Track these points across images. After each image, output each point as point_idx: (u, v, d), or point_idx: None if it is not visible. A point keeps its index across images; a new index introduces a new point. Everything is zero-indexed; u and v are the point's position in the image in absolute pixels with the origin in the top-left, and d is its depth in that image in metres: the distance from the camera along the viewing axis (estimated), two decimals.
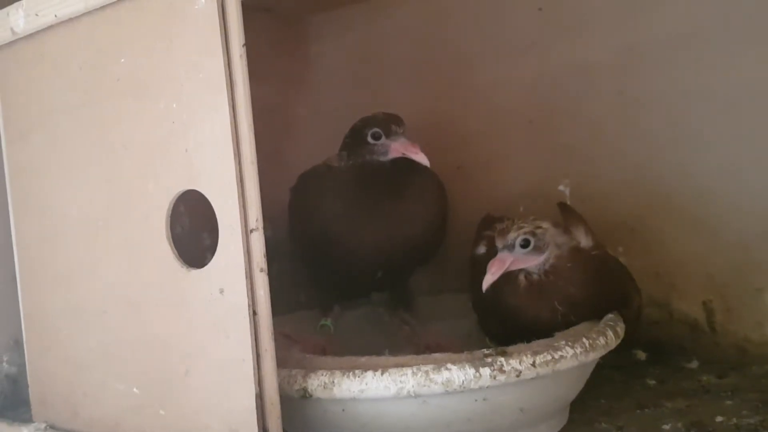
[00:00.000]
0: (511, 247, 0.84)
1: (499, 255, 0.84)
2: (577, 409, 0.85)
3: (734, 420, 0.82)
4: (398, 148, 0.92)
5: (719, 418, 0.83)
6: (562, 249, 0.84)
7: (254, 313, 0.65)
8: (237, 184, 0.64)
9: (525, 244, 0.83)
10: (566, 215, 0.96)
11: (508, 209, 1.06)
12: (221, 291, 0.66)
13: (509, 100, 1.15)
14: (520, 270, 0.84)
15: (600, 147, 1.08)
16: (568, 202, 1.06)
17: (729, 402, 0.87)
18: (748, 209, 0.99)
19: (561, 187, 1.09)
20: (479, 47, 1.17)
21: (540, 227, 0.84)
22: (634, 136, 1.05)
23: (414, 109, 1.03)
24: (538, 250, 0.84)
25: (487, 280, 0.82)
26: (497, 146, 1.16)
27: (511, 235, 0.84)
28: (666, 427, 0.82)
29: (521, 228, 0.84)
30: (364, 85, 1.27)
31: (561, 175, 1.09)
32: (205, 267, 0.67)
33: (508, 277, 0.84)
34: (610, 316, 0.83)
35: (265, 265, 0.65)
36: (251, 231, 0.64)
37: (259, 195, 0.65)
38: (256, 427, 0.64)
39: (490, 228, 0.98)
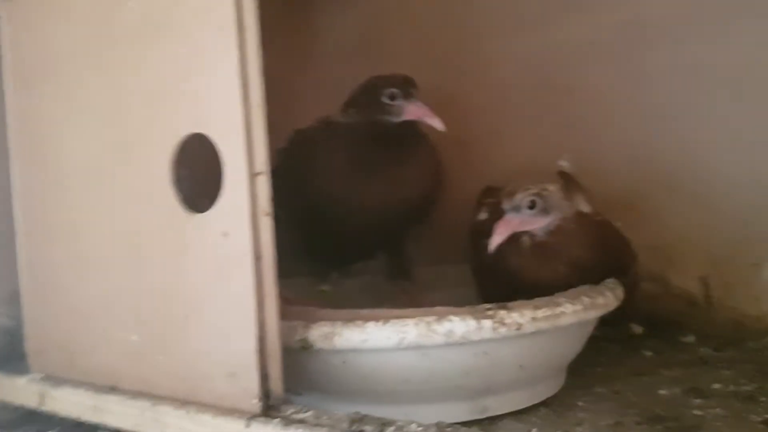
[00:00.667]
0: (518, 209, 0.84)
1: (507, 216, 0.84)
2: (574, 375, 0.85)
3: (731, 387, 0.82)
4: (414, 111, 0.92)
5: (716, 385, 0.83)
6: (567, 212, 0.85)
7: (258, 257, 0.64)
8: (244, 127, 0.64)
9: (532, 206, 0.84)
10: (566, 183, 0.96)
11: (508, 183, 1.06)
12: (225, 234, 0.65)
13: (512, 75, 1.15)
14: (524, 231, 0.84)
15: (601, 122, 1.09)
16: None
17: (726, 372, 0.88)
18: (746, 185, 0.99)
19: (562, 162, 1.09)
20: (483, 21, 1.18)
21: (546, 189, 0.85)
22: (635, 112, 1.06)
23: (417, 82, 1.03)
24: (544, 212, 0.84)
25: (494, 241, 0.83)
26: (499, 120, 1.17)
27: (519, 197, 0.84)
28: (663, 392, 0.82)
29: (528, 190, 0.84)
30: (367, 58, 1.27)
31: (562, 150, 1.09)
32: (209, 211, 0.67)
33: (511, 238, 0.84)
34: (609, 280, 0.84)
35: (270, 210, 0.64)
36: (257, 174, 0.64)
37: (266, 139, 0.64)
38: (257, 372, 0.64)
39: (491, 197, 0.99)
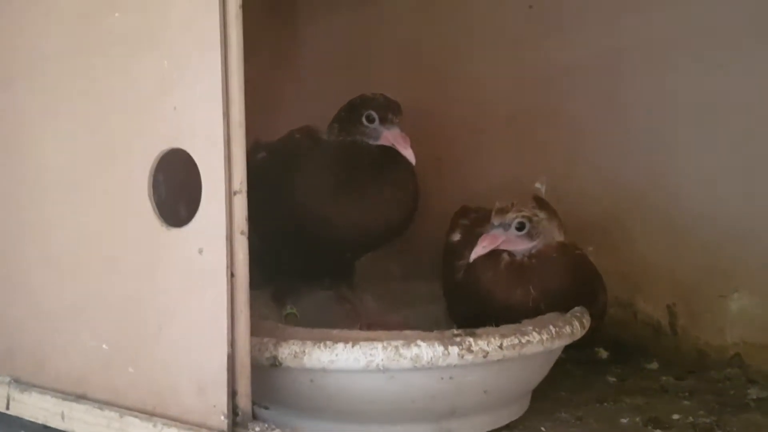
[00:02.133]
0: (506, 227, 0.85)
1: (493, 231, 0.85)
2: (539, 399, 0.87)
3: (690, 419, 0.84)
4: (389, 137, 0.92)
5: (676, 416, 0.85)
6: (551, 241, 0.86)
7: (232, 275, 0.65)
8: (224, 145, 0.64)
9: (520, 227, 0.85)
10: (541, 209, 0.97)
11: (484, 203, 1.07)
12: (200, 251, 0.66)
13: (493, 95, 1.16)
14: (504, 250, 0.86)
15: (578, 147, 1.10)
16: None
17: (686, 402, 0.90)
18: (717, 217, 1.01)
19: (537, 185, 1.10)
20: (466, 40, 1.19)
21: (537, 216, 0.86)
22: (613, 139, 1.08)
23: (398, 97, 1.03)
24: (530, 236, 0.85)
25: (477, 252, 0.84)
26: (478, 140, 1.18)
27: (510, 216, 0.85)
28: (624, 420, 0.84)
29: (520, 211, 0.86)
30: (349, 68, 1.28)
31: (538, 172, 1.10)
32: (186, 226, 0.67)
33: (489, 256, 0.85)
34: (577, 308, 0.85)
35: (246, 228, 0.65)
36: (235, 193, 0.65)
37: (245, 158, 0.65)
38: (226, 387, 0.64)
39: (466, 218, 1.00)
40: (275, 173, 0.96)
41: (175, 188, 0.91)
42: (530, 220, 0.85)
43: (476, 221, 0.96)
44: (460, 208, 1.07)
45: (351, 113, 0.94)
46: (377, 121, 0.92)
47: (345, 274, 1.06)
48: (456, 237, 0.98)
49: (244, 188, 0.65)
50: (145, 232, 0.69)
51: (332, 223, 0.92)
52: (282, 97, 1.29)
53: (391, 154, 0.92)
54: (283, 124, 1.22)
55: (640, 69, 1.05)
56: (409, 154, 0.90)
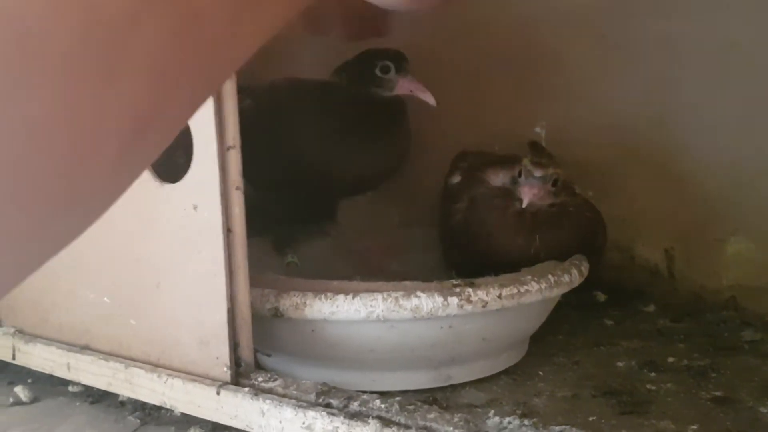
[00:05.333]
0: (546, 179, 0.85)
1: (536, 182, 0.84)
2: (536, 343, 0.88)
3: (685, 361, 0.85)
4: (406, 85, 0.93)
5: (671, 359, 0.86)
6: (568, 199, 0.87)
7: (229, 231, 0.65)
8: (214, 99, 0.63)
9: (555, 183, 0.85)
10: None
11: (482, 148, 1.07)
12: (195, 207, 0.66)
13: (492, 40, 1.14)
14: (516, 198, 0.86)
15: (579, 91, 1.09)
16: (544, 144, 1.07)
17: (681, 345, 0.91)
18: (715, 163, 1.01)
19: (537, 129, 1.09)
20: None
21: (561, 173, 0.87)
22: (613, 83, 1.06)
23: (397, 43, 1.02)
24: (556, 194, 0.85)
25: (528, 198, 0.83)
26: (477, 85, 1.16)
27: (550, 171, 0.85)
28: (620, 364, 0.85)
29: (558, 168, 0.86)
30: None
31: (538, 117, 1.09)
32: (179, 182, 0.67)
33: (496, 201, 0.86)
34: (575, 256, 0.85)
35: (241, 184, 0.65)
36: (228, 148, 0.65)
37: (237, 112, 0.64)
38: (227, 341, 0.65)
39: (465, 161, 1.00)
40: (266, 121, 0.95)
41: None
42: (559, 176, 0.86)
43: (475, 165, 0.96)
44: (460, 152, 1.06)
45: (363, 64, 0.95)
46: (393, 71, 0.93)
47: (329, 213, 1.07)
48: (455, 179, 0.98)
49: (238, 143, 0.65)
50: (138, 188, 0.68)
51: (333, 172, 0.93)
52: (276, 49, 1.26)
53: (396, 105, 0.94)
54: (270, 67, 1.20)
55: (643, 10, 1.03)
56: (428, 97, 0.92)
